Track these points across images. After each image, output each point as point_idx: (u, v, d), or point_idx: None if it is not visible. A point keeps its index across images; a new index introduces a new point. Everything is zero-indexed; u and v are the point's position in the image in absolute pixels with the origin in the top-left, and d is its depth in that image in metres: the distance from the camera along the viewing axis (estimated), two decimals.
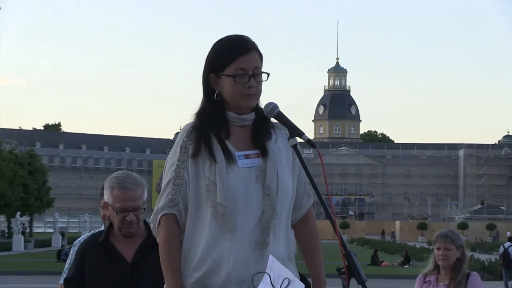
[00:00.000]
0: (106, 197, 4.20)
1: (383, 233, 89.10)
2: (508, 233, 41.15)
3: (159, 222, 3.22)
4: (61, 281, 4.39)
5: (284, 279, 2.67)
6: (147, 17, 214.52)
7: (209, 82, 3.26)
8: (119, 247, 4.17)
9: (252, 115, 3.26)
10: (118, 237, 4.19)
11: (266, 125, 3.28)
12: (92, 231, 4.62)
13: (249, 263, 3.11)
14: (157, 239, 3.31)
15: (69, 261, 4.56)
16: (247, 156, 3.22)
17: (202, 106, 3.29)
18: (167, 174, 3.26)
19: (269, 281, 2.67)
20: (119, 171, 4.39)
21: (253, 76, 3.21)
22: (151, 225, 3.30)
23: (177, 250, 3.20)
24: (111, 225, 4.22)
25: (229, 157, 3.19)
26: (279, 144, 3.27)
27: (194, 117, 3.30)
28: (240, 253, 3.13)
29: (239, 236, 3.14)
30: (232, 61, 3.20)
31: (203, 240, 3.17)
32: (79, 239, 4.73)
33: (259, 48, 3.28)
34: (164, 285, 3.21)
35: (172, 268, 3.17)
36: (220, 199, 3.13)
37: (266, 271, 2.72)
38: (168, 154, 3.41)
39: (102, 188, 4.27)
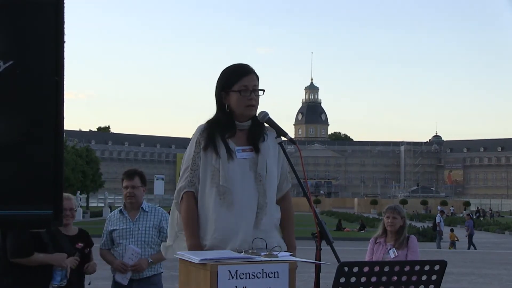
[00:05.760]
0: None
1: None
2: (439, 208, 41.03)
3: (182, 198, 3.17)
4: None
5: (276, 246, 2.63)
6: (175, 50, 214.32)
7: (221, 98, 3.24)
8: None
9: (248, 123, 3.25)
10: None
11: (260, 129, 3.25)
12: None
13: (246, 231, 3.06)
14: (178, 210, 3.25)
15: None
16: (243, 150, 3.19)
17: (217, 116, 3.27)
18: (186, 162, 3.22)
19: (265, 246, 2.63)
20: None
21: (253, 91, 3.20)
22: (174, 201, 3.24)
23: (195, 218, 3.14)
24: None
25: (230, 152, 3.15)
26: (268, 142, 3.25)
27: (206, 122, 3.27)
28: (238, 223, 3.08)
29: (237, 211, 3.09)
30: (238, 81, 3.19)
31: (209, 212, 3.11)
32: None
33: (257, 72, 3.27)
34: (186, 244, 3.13)
35: (192, 231, 3.11)
36: (222, 182, 3.10)
37: (264, 238, 2.68)
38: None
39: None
